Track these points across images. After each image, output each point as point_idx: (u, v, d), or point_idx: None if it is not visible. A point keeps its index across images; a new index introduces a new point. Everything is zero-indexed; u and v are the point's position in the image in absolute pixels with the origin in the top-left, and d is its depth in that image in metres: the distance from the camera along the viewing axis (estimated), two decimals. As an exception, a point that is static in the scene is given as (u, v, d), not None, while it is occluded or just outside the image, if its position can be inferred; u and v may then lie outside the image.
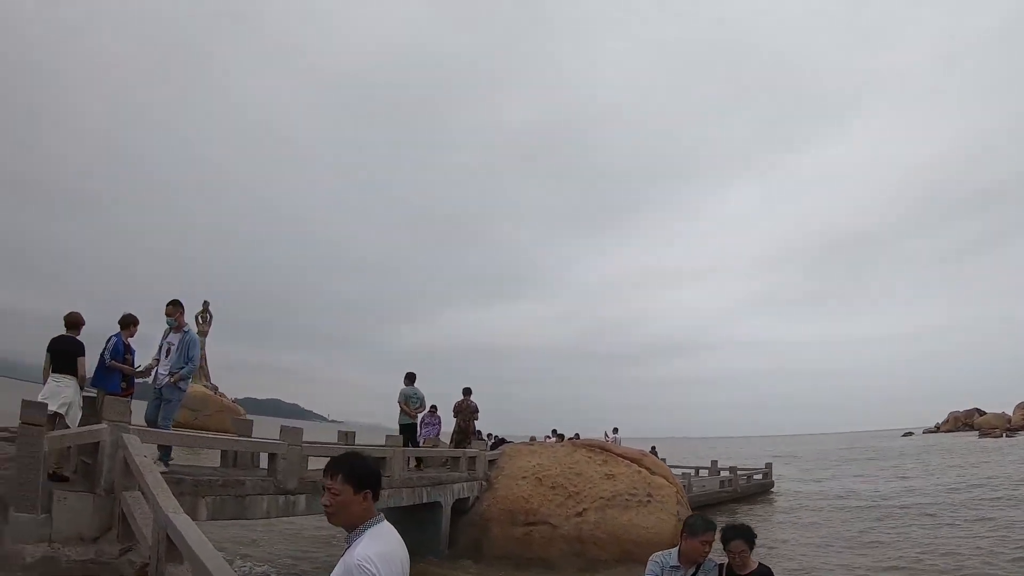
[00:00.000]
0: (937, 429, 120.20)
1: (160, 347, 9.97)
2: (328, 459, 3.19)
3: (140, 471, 6.90)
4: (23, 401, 7.18)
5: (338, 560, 3.01)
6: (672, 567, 4.98)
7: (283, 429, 10.72)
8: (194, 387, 41.54)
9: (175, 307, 9.94)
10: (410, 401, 16.40)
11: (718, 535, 5.09)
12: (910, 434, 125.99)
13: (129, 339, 9.87)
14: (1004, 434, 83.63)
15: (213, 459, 12.82)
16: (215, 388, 43.38)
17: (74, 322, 9.00)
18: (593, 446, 18.29)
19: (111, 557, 7.07)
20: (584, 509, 15.49)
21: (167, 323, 9.98)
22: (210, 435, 12.29)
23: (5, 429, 11.39)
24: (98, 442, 7.70)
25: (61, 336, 8.87)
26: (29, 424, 7.05)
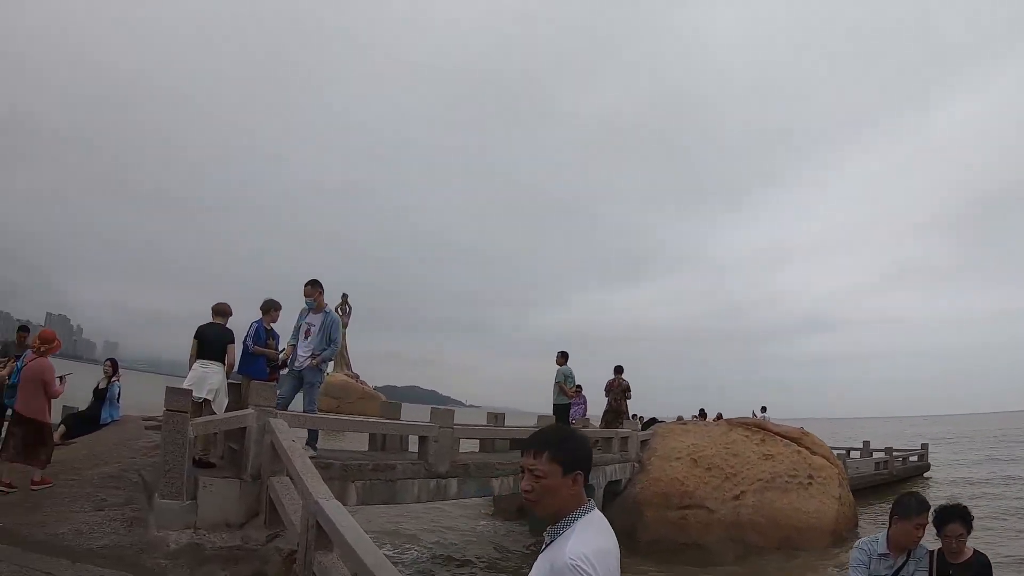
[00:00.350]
0: None
1: (298, 329, 9.58)
2: (528, 439, 2.55)
3: (288, 456, 6.70)
4: (167, 388, 7.11)
5: (537, 557, 2.45)
6: (880, 555, 4.30)
7: (434, 411, 10.37)
8: (335, 375, 42.59)
9: (313, 287, 9.46)
10: (568, 381, 15.89)
11: (931, 516, 4.35)
12: None
13: (271, 324, 9.77)
14: None
15: (358, 443, 12.66)
16: (356, 376, 44.21)
17: (222, 311, 9.09)
18: (749, 424, 17.25)
19: (257, 544, 6.91)
20: (742, 492, 14.59)
21: (306, 304, 9.54)
22: (360, 419, 12.01)
23: (153, 418, 11.70)
24: (244, 427, 7.55)
25: (210, 323, 8.95)
26: (174, 411, 6.94)
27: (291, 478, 6.71)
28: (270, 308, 9.80)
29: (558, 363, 16.00)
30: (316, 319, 9.41)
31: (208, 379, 8.50)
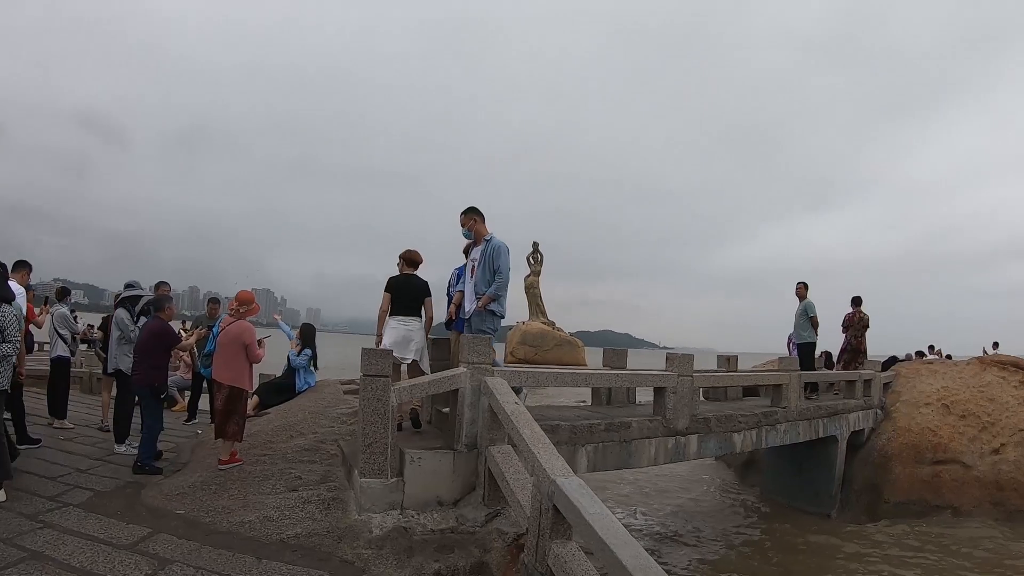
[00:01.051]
0: None
1: (461, 272, 8.08)
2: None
3: (512, 422, 5.59)
4: (363, 350, 6.05)
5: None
6: None
7: (670, 357, 8.92)
8: (531, 323, 42.37)
9: (468, 215, 7.75)
10: (810, 311, 13.63)
11: None
12: None
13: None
14: None
15: (562, 398, 11.53)
16: (552, 323, 43.92)
17: (412, 259, 7.71)
18: (1006, 363, 14.54)
19: (474, 525, 5.76)
20: (1001, 445, 12.22)
21: (463, 235, 7.89)
22: (586, 370, 10.53)
23: (351, 382, 11.03)
24: (456, 390, 6.41)
25: (403, 275, 7.64)
26: (373, 376, 5.94)
27: (515, 447, 5.75)
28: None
29: (799, 295, 13.75)
30: (477, 251, 7.70)
31: (412, 337, 7.38)
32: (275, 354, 11.63)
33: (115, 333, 9.15)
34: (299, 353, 11.78)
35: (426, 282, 7.60)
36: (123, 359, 8.88)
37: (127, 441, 8.48)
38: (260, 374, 12.15)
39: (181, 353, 12.19)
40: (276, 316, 13.47)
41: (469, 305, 7.62)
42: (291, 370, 11.78)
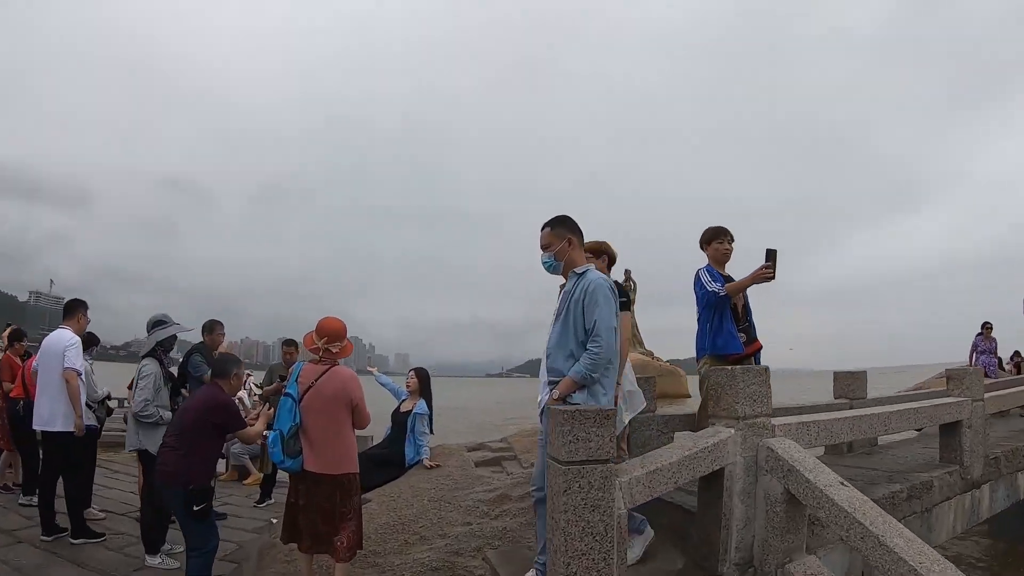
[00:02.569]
0: None
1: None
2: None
3: (859, 521, 3.25)
4: (556, 412, 3.15)
5: None
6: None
7: (953, 375, 6.36)
8: (633, 355, 39.54)
9: (553, 230, 4.16)
10: None
11: None
12: None
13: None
14: None
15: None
16: (651, 353, 41.30)
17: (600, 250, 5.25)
18: None
19: None
20: None
21: (542, 264, 4.24)
22: (882, 410, 7.69)
23: (483, 447, 9.80)
24: (715, 471, 3.81)
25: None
26: (581, 463, 3.10)
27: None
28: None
29: None
30: (571, 289, 4.10)
31: (636, 387, 5.03)
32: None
33: (140, 395, 6.10)
34: (411, 410, 7.84)
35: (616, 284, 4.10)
36: (149, 434, 6.04)
37: (163, 549, 5.88)
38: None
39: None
40: (370, 367, 9.09)
41: (546, 383, 4.04)
42: (398, 434, 7.82)
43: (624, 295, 4.28)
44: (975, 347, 15.84)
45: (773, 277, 4.86)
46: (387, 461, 7.52)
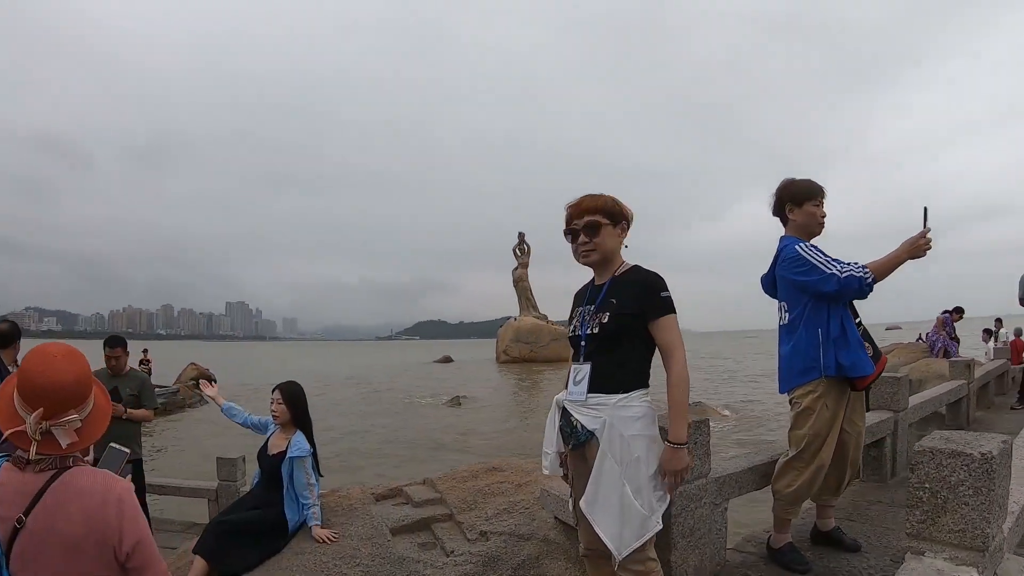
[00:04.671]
0: None
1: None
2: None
3: None
4: None
5: None
6: None
7: None
8: (524, 318, 42.13)
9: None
10: None
11: None
12: None
13: None
14: None
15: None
16: (545, 317, 43.58)
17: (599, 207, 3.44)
18: None
19: None
20: None
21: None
22: None
23: (399, 493, 6.11)
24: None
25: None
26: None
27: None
28: None
29: None
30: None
31: (617, 428, 2.93)
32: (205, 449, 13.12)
33: None
34: (284, 451, 4.63)
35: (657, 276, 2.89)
36: None
37: None
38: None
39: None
40: (205, 388, 5.38)
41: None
42: (270, 485, 4.63)
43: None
44: (945, 324, 16.56)
45: (930, 247, 3.49)
46: (258, 530, 4.41)
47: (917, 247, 3.47)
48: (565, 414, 2.88)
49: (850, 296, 3.63)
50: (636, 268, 2.89)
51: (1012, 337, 17.68)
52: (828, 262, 3.59)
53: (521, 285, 44.89)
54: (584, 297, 2.99)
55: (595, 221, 2.81)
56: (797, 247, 3.71)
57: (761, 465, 4.16)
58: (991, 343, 17.67)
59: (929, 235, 3.45)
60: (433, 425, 17.50)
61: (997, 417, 9.58)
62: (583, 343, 2.88)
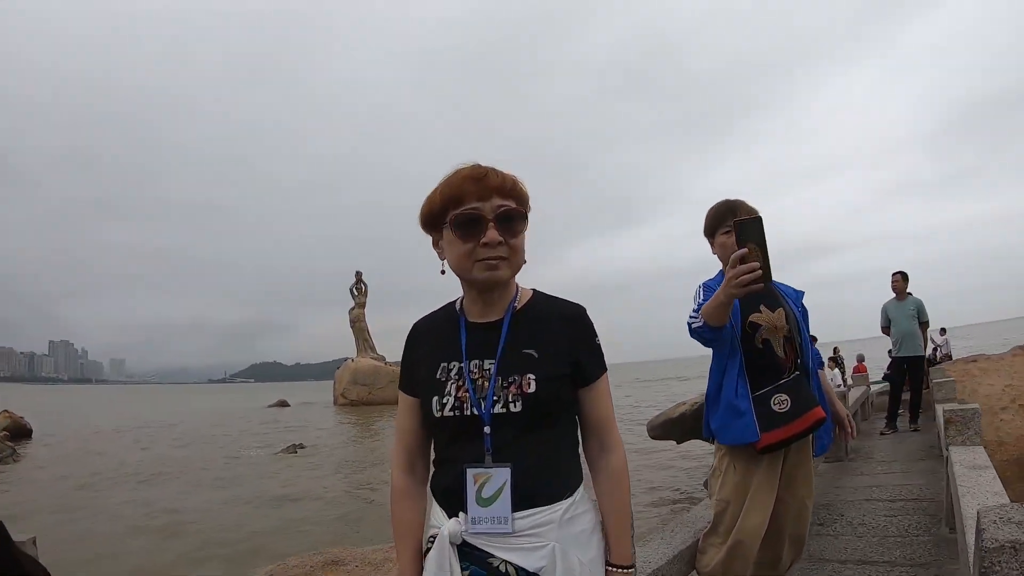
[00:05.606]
0: None
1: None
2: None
3: None
4: None
5: None
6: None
7: None
8: (361, 359, 41.11)
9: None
10: (923, 313, 10.46)
11: None
12: None
13: None
14: None
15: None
16: (383, 358, 42.80)
17: None
18: None
19: None
20: None
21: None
22: None
23: None
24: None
25: None
26: None
27: None
28: None
29: (898, 289, 10.36)
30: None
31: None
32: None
33: None
34: None
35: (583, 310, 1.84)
36: None
37: None
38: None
39: None
40: None
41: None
42: None
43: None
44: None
45: (764, 275, 2.40)
46: None
47: (729, 281, 2.49)
48: (471, 555, 1.64)
49: (703, 344, 3.04)
50: (542, 296, 1.84)
51: (856, 363, 18.37)
52: (694, 307, 3.01)
53: (358, 326, 44.17)
54: (453, 343, 1.77)
55: (513, 211, 1.68)
56: (697, 289, 3.13)
57: (686, 550, 3.27)
58: (836, 371, 18.24)
59: (755, 266, 2.40)
60: (262, 486, 15.05)
61: (873, 445, 9.64)
62: (487, 430, 1.64)
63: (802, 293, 3.37)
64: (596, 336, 1.79)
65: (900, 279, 10.27)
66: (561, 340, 1.71)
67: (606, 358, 1.81)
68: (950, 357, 16.64)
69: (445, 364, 1.73)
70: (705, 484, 3.30)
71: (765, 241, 2.38)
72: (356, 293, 44.81)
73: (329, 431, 27.88)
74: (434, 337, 1.81)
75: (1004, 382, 10.69)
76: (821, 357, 3.52)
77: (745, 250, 2.38)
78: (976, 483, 3.57)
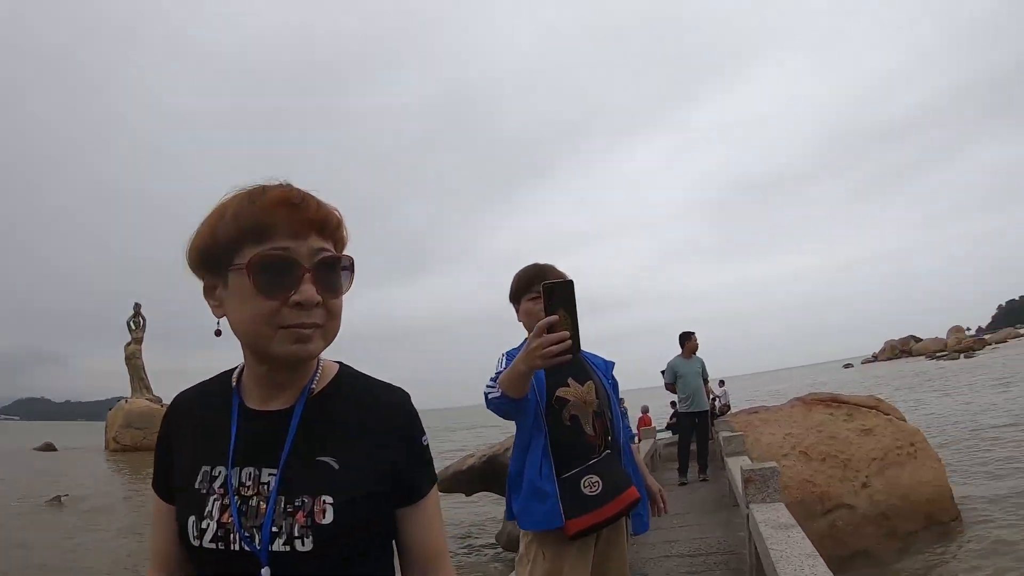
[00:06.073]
0: (875, 358, 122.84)
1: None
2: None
3: None
4: None
5: None
6: None
7: None
8: (136, 400, 38.28)
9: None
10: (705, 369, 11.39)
11: None
12: (850, 365, 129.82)
13: None
14: (962, 355, 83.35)
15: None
16: (159, 400, 39.78)
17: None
18: (826, 401, 13.85)
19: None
20: (866, 478, 11.42)
21: None
22: None
23: None
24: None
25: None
26: None
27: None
28: None
29: (693, 348, 11.01)
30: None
31: None
32: None
33: None
34: None
35: (406, 397, 1.41)
36: None
37: None
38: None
39: None
40: None
41: None
42: None
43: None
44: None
45: (574, 345, 2.06)
46: None
47: (534, 351, 2.09)
48: None
49: (502, 416, 2.70)
50: (350, 375, 1.31)
51: (640, 414, 18.93)
52: (493, 376, 2.64)
53: (133, 363, 40.70)
54: (220, 437, 1.21)
55: (339, 259, 1.19)
56: (501, 356, 2.82)
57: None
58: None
59: (559, 323, 2.04)
60: (23, 551, 13.00)
61: (666, 497, 9.72)
62: (265, 574, 1.11)
63: (612, 364, 3.14)
64: (423, 434, 1.27)
65: (695, 339, 10.85)
66: (373, 441, 1.20)
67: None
68: (728, 407, 17.68)
69: (208, 468, 1.18)
70: (497, 538, 3.04)
71: (575, 307, 2.07)
72: (134, 327, 41.34)
73: (99, 480, 25.28)
74: (197, 423, 1.25)
75: (784, 431, 12.39)
76: (632, 430, 3.35)
77: (555, 317, 2.05)
78: (787, 544, 3.62)
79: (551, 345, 2.02)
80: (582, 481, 2.70)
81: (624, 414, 3.17)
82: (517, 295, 2.95)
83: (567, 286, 2.06)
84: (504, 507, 3.02)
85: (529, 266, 2.97)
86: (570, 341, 2.03)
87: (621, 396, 3.42)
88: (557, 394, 2.79)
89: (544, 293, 2.05)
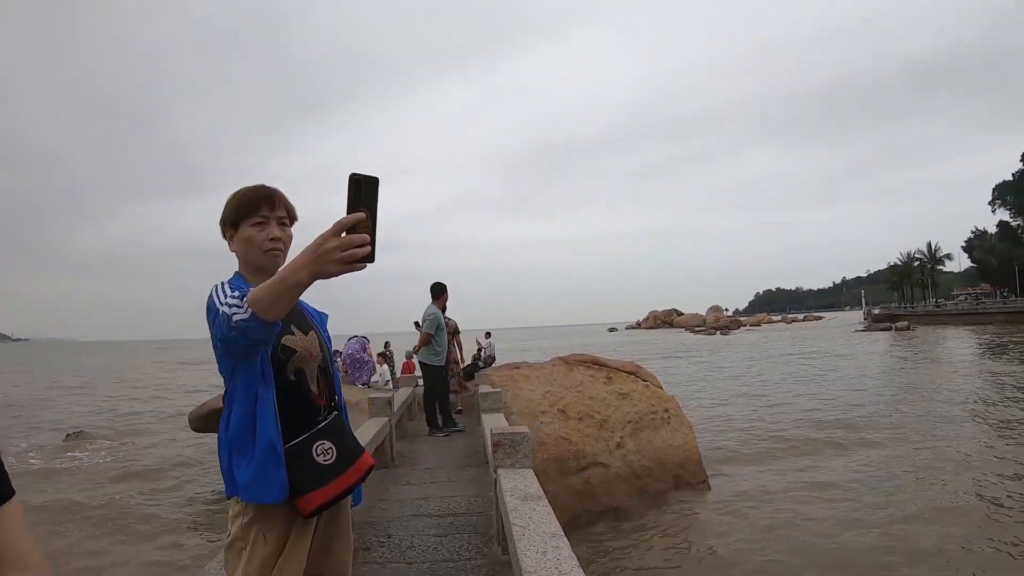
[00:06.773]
0: (639, 326, 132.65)
1: None
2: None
3: None
4: None
5: None
6: None
7: None
8: None
9: None
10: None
11: None
12: (614, 329, 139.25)
13: None
14: (719, 332, 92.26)
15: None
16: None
17: None
18: (587, 362, 14.15)
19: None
20: (620, 438, 12.06)
21: None
22: None
23: None
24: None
25: None
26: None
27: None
28: None
29: (444, 303, 10.94)
30: None
31: None
32: None
33: None
34: None
35: None
36: None
37: None
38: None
39: None
40: None
41: None
42: None
43: None
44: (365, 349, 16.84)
45: (371, 253, 1.71)
46: None
47: (329, 252, 1.66)
48: None
49: (239, 350, 2.03)
50: None
51: (404, 359, 18.58)
52: (227, 299, 1.97)
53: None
54: None
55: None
56: (214, 290, 2.12)
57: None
58: (385, 367, 18.17)
59: (363, 224, 1.68)
60: None
61: (417, 448, 9.66)
62: None
63: (326, 316, 2.63)
64: None
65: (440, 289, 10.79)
66: None
67: None
68: (494, 359, 17.77)
69: None
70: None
71: (376, 211, 1.74)
72: None
73: None
74: None
75: (544, 388, 12.82)
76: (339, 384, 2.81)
77: (361, 214, 1.69)
78: (531, 519, 3.40)
79: (353, 247, 1.65)
80: (314, 448, 2.23)
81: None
82: (236, 219, 2.31)
83: (373, 183, 1.74)
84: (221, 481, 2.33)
85: (256, 186, 2.35)
86: (370, 247, 1.70)
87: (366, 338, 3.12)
88: (282, 342, 2.25)
89: (350, 185, 1.70)
